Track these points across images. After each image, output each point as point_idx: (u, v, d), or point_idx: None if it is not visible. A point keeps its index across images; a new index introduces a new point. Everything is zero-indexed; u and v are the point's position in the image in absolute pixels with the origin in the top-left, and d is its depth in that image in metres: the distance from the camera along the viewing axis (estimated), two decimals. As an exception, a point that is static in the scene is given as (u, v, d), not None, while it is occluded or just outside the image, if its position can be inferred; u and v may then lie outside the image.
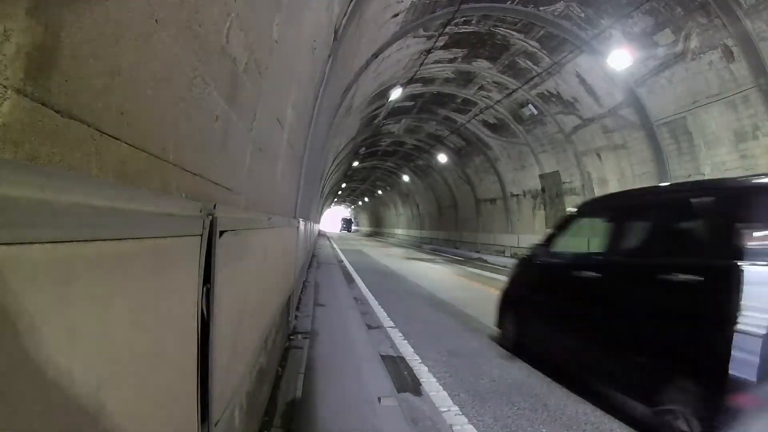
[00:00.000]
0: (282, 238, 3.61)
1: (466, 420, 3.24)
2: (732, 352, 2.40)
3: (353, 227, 68.73)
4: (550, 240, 4.70)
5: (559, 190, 15.70)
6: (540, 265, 4.80)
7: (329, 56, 4.96)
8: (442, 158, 23.43)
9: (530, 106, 14.81)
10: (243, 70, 1.72)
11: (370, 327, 5.98)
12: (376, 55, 9.58)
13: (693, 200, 3.13)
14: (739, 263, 2.50)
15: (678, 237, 3.27)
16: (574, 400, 3.65)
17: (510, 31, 11.48)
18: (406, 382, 3.95)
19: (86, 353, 0.64)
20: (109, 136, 0.78)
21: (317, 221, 23.85)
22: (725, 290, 2.52)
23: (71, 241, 0.59)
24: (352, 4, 5.24)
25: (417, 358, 4.70)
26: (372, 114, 17.12)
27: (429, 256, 22.23)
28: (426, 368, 4.36)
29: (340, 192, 51.08)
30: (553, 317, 4.33)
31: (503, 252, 20.32)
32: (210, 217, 1.26)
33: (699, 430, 2.57)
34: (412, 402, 3.51)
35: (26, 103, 0.58)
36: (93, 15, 0.70)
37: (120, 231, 0.74)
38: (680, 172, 10.66)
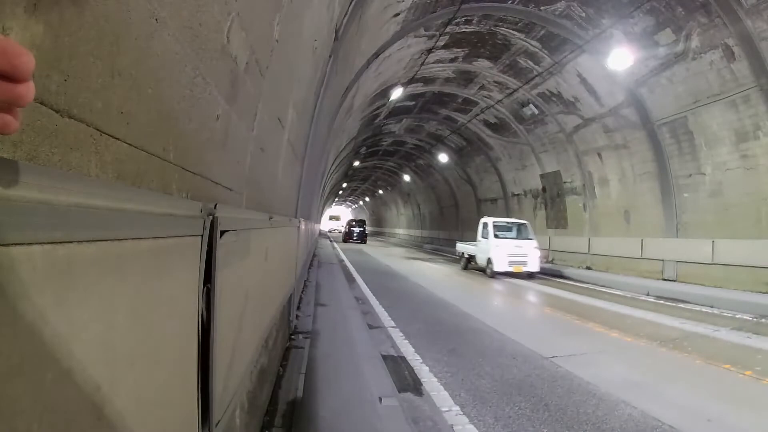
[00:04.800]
0: (283, 237, 3.60)
1: (467, 420, 3.24)
2: None
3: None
4: None
5: (560, 190, 15.69)
6: None
7: (330, 56, 4.95)
8: (443, 158, 23.40)
9: (531, 105, 14.79)
10: (244, 70, 1.72)
11: (371, 327, 5.98)
12: (377, 55, 9.57)
13: None
14: None
15: None
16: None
17: (511, 31, 11.47)
18: (407, 381, 3.95)
19: (86, 354, 0.63)
20: (109, 135, 0.77)
21: (318, 221, 23.87)
22: None
23: (71, 242, 0.59)
24: (353, 3, 5.23)
25: (418, 357, 4.70)
26: (373, 113, 17.12)
27: (430, 256, 22.24)
28: (427, 368, 4.36)
29: (341, 192, 51.01)
30: None
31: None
32: (210, 217, 1.25)
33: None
34: (413, 402, 3.51)
35: (25, 102, 0.58)
36: (93, 14, 0.70)
37: (120, 231, 0.73)
38: (681, 172, 10.65)
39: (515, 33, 11.52)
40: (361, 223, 36.84)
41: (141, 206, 0.82)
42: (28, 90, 0.40)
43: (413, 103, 17.88)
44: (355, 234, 34.84)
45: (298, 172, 4.80)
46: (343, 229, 38.54)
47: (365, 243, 34.00)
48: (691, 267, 10.49)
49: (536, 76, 13.07)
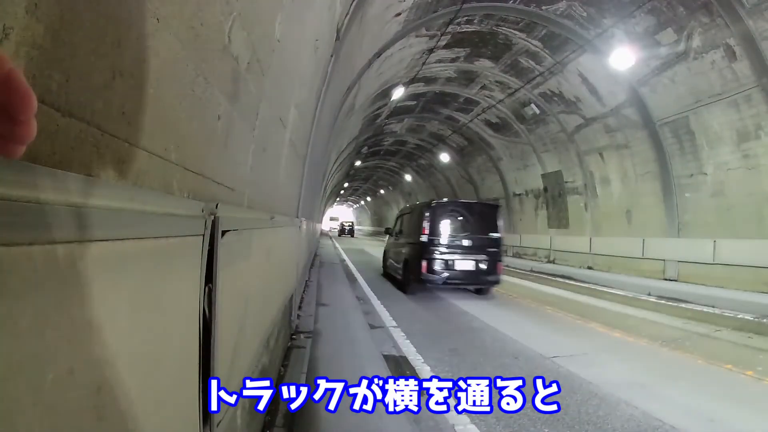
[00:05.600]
0: (284, 237, 3.61)
1: (468, 420, 3.24)
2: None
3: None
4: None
5: (562, 190, 15.66)
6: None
7: (331, 55, 4.95)
8: (445, 158, 23.39)
9: (532, 105, 14.78)
10: (245, 69, 1.72)
11: (372, 326, 5.98)
12: (378, 55, 9.57)
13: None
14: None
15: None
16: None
17: (512, 31, 11.46)
18: (408, 381, 3.94)
19: (87, 354, 0.63)
20: (110, 135, 0.77)
21: (319, 221, 23.88)
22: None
23: (72, 242, 0.59)
24: (354, 3, 5.23)
25: (419, 357, 4.69)
26: (374, 113, 17.11)
27: (431, 256, 22.15)
28: (428, 368, 4.36)
29: (342, 191, 51.06)
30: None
31: (505, 251, 20.23)
32: (212, 217, 1.26)
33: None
34: (414, 402, 3.50)
35: (26, 102, 0.57)
36: (93, 13, 0.70)
37: (121, 231, 0.73)
38: (683, 172, 10.63)
39: (517, 33, 11.51)
40: (351, 224, 54.64)
41: (142, 206, 0.82)
42: (29, 130, 0.40)
43: (415, 102, 17.87)
44: (346, 230, 51.47)
45: (299, 172, 4.80)
46: (339, 227, 56.32)
47: (353, 236, 49.68)
48: (693, 267, 10.47)
49: (538, 75, 13.06)
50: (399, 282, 10.36)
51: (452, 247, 9.02)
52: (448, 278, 8.81)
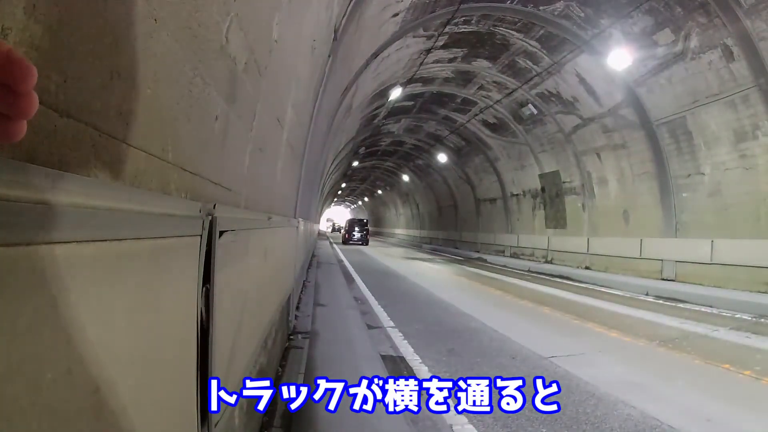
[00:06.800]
0: (282, 237, 3.61)
1: (466, 420, 3.24)
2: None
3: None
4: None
5: (559, 190, 15.69)
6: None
7: (329, 56, 4.95)
8: (442, 158, 23.42)
9: (530, 105, 14.79)
10: (243, 70, 1.72)
11: (370, 327, 5.98)
12: (375, 55, 9.57)
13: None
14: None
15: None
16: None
17: (510, 31, 11.47)
18: (406, 382, 3.95)
19: (85, 354, 0.63)
20: (108, 135, 0.77)
21: (317, 221, 23.91)
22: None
23: (70, 242, 0.59)
24: (352, 3, 5.23)
25: (417, 357, 4.70)
26: (372, 114, 17.11)
27: (429, 256, 22.24)
28: (426, 368, 4.36)
29: (339, 192, 51.07)
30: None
31: (503, 252, 20.31)
32: (209, 217, 1.26)
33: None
34: (413, 402, 3.50)
35: (24, 102, 0.57)
36: (92, 14, 0.70)
37: (119, 231, 0.73)
38: (680, 172, 10.66)
39: (514, 33, 11.53)
40: (339, 225, 70.13)
41: (140, 206, 0.82)
42: (30, 102, 0.40)
43: (412, 103, 17.88)
44: (336, 228, 69.55)
45: (297, 172, 4.80)
46: (331, 227, 73.68)
47: (341, 232, 61.15)
48: (690, 267, 10.50)
49: (535, 76, 13.08)
50: (343, 243, 32.16)
51: (354, 231, 33.88)
52: (353, 240, 33.08)
